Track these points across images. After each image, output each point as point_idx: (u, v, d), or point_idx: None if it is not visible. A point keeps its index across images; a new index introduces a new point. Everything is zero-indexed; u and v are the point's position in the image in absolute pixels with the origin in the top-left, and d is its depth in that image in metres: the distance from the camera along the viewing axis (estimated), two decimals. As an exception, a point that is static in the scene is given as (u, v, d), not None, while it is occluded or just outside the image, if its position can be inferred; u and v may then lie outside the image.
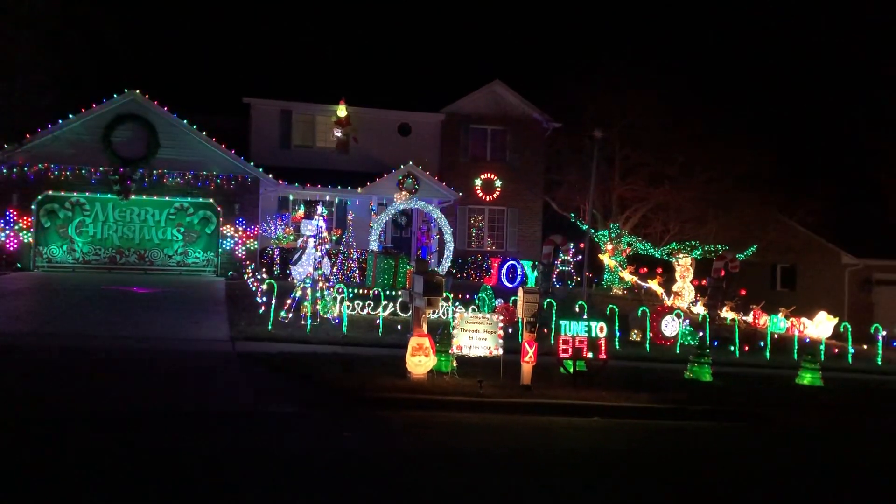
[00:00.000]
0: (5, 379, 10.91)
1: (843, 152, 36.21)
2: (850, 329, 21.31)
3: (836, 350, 21.18)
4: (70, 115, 24.76)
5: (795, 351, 19.45)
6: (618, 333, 18.80)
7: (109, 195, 25.09)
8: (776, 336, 22.01)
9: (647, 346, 19.03)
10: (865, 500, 8.31)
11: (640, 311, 19.81)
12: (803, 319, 24.32)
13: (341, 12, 54.97)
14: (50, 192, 24.79)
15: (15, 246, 24.34)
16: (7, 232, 24.30)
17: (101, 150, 24.81)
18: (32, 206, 24.60)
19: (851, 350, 20.87)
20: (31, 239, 24.56)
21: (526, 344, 12.41)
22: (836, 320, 24.59)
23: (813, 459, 10.25)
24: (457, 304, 19.03)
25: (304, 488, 7.04)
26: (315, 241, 19.32)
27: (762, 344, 20.27)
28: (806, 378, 15.56)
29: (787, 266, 34.28)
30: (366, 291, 20.24)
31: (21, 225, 24.44)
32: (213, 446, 8.27)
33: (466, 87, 31.81)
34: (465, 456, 8.72)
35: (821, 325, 23.96)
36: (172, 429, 8.88)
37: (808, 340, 21.05)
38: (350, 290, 19.56)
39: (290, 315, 17.46)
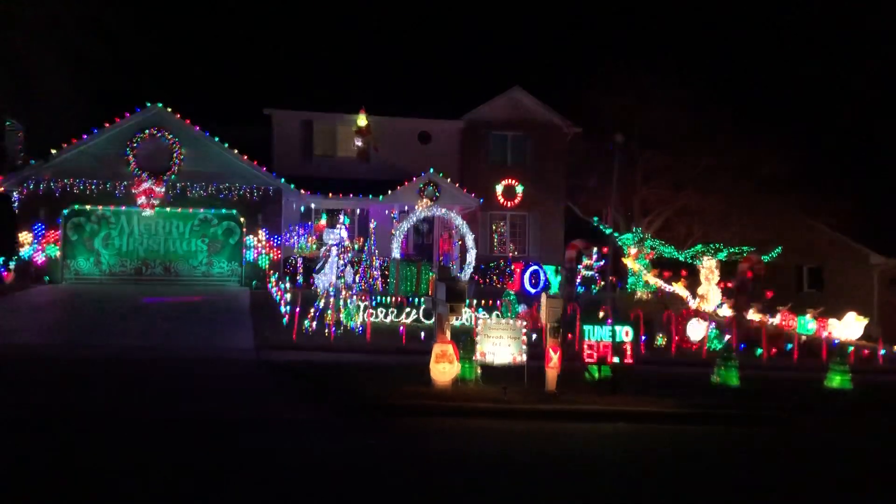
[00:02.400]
0: (35, 387, 11.05)
1: (869, 151, 35.75)
2: (880, 330, 20.98)
3: (866, 351, 20.87)
4: (94, 130, 25.09)
5: (824, 353, 19.19)
6: (643, 338, 18.67)
7: (134, 208, 25.37)
8: (804, 338, 21.75)
9: (673, 349, 18.87)
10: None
11: (665, 316, 19.67)
12: (831, 321, 23.98)
13: (360, 22, 55.27)
14: (76, 206, 25.11)
15: (43, 260, 24.68)
16: (35, 246, 24.65)
17: (125, 164, 25.10)
18: (59, 220, 24.94)
19: (882, 351, 20.55)
20: (58, 253, 24.88)
21: (550, 350, 12.35)
22: (865, 321, 24.22)
23: (840, 464, 10.08)
24: (480, 310, 19.02)
25: (329, 495, 7.05)
26: (338, 250, 19.43)
27: (790, 346, 20.03)
28: (835, 381, 15.34)
29: (813, 267, 33.86)
30: (389, 299, 20.27)
31: (49, 239, 24.78)
32: (238, 453, 8.30)
33: (486, 93, 31.81)
34: (488, 463, 8.68)
35: (849, 326, 23.60)
36: (199, 435, 8.93)
37: (836, 342, 20.78)
38: (374, 298, 19.61)
39: (314, 324, 17.53)
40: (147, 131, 25.27)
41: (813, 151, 31.55)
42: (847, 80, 36.29)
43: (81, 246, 25.28)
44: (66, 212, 25.05)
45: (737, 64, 41.88)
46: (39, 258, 24.64)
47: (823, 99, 36.02)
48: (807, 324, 23.81)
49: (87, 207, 25.25)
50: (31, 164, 24.55)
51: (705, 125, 30.34)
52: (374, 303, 19.22)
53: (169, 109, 25.55)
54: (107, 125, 25.18)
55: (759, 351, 19.49)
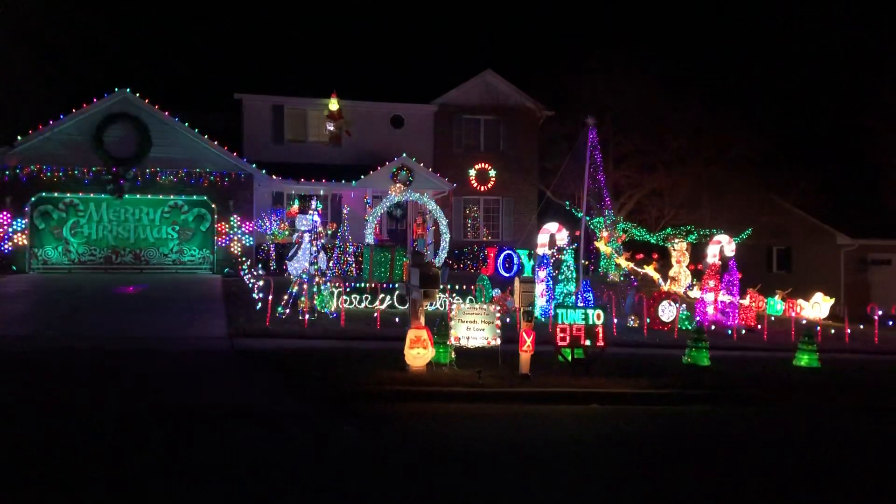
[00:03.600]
0: (4, 381, 10.92)
1: (837, 133, 36.22)
2: (846, 309, 21.39)
3: (833, 331, 21.26)
4: (61, 116, 24.67)
5: (793, 333, 19.52)
6: (615, 320, 18.84)
7: (103, 195, 25.02)
8: (773, 318, 22.09)
9: (645, 331, 19.08)
10: (862, 479, 8.35)
11: (637, 297, 19.86)
12: (800, 301, 24.39)
13: (332, 5, 54.76)
14: (43, 194, 24.71)
15: (9, 248, 24.28)
16: (1, 235, 24.23)
17: (93, 150, 24.72)
18: (26, 208, 24.53)
19: (848, 330, 20.95)
20: (25, 241, 24.50)
21: (523, 333, 12.43)
22: (832, 301, 24.68)
23: (808, 440, 10.30)
24: (454, 295, 19.06)
25: (305, 483, 7.07)
26: (310, 236, 19.32)
27: (759, 327, 20.33)
28: (803, 360, 15.63)
29: (782, 248, 34.32)
30: (363, 285, 20.24)
31: (15, 227, 24.37)
32: (213, 444, 8.28)
33: (458, 77, 31.74)
34: (464, 446, 8.74)
35: (817, 307, 24.04)
36: (172, 427, 8.89)
37: (804, 322, 21.12)
38: (348, 284, 19.57)
39: (288, 311, 17.47)
40: (115, 117, 24.89)
41: (782, 133, 31.95)
42: (816, 60, 36.71)
43: (49, 234, 24.91)
44: (33, 199, 24.64)
45: (707, 46, 42.17)
46: (6, 247, 24.24)
47: (792, 80, 36.41)
48: (776, 304, 24.18)
49: (55, 195, 24.86)
50: (-5, 151, 24.10)
51: (676, 107, 30.53)
52: (348, 289, 19.18)
53: (137, 95, 25.19)
54: (74, 111, 24.76)
55: (730, 331, 19.77)
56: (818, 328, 19.54)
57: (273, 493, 6.77)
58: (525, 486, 7.37)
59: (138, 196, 25.29)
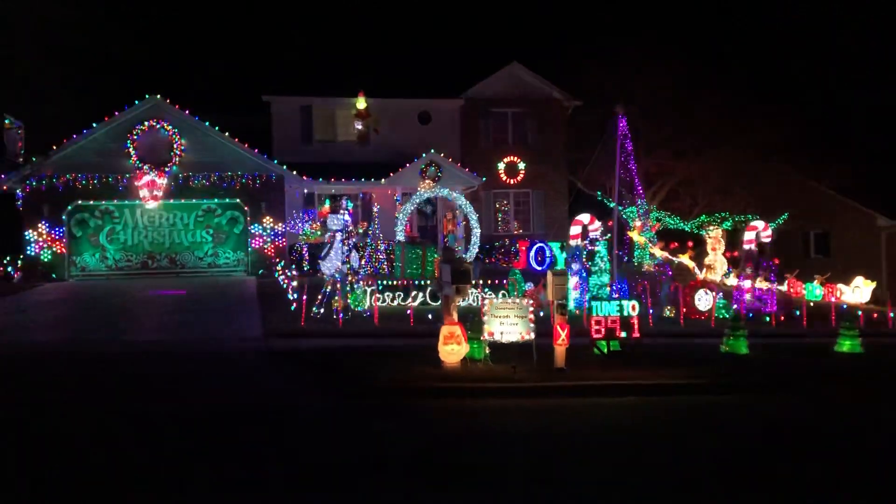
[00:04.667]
0: (47, 385, 11.11)
1: (872, 113, 35.44)
2: (888, 293, 20.92)
3: (876, 315, 20.81)
4: (94, 125, 25.03)
5: (833, 318, 19.15)
6: (650, 310, 18.65)
7: (137, 201, 25.36)
8: (813, 304, 21.70)
9: (682, 321, 18.86)
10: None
11: (672, 287, 19.63)
12: (839, 285, 23.91)
13: (356, 3, 54.86)
14: (79, 202, 25.11)
15: (48, 257, 24.73)
16: (40, 243, 24.69)
17: (126, 157, 25.05)
18: (63, 217, 24.94)
19: (891, 314, 20.49)
20: (63, 249, 24.93)
21: (557, 327, 12.33)
22: (873, 284, 24.13)
23: (852, 428, 10.09)
24: (486, 289, 19.01)
25: (339, 478, 7.08)
26: (342, 236, 19.40)
27: (798, 313, 19.99)
28: (845, 345, 15.32)
29: (820, 232, 33.69)
30: (396, 282, 20.26)
31: (53, 236, 24.81)
32: (252, 441, 8.35)
33: (484, 70, 31.60)
34: (499, 441, 8.70)
35: (858, 291, 23.52)
36: (211, 425, 8.98)
37: (845, 307, 20.69)
38: (380, 281, 19.61)
39: (322, 310, 17.55)
40: (146, 123, 25.19)
41: (815, 115, 31.35)
42: (849, 39, 35.94)
43: (86, 242, 25.31)
44: (69, 208, 25.05)
45: (734, 29, 41.50)
46: (45, 256, 24.69)
47: (825, 61, 35.69)
48: (814, 290, 23.74)
49: (91, 203, 25.25)
50: (32, 162, 24.50)
51: (704, 93, 30.12)
52: (380, 286, 19.22)
53: (167, 101, 25.47)
54: (106, 119, 25.11)
55: (768, 318, 19.45)
56: (860, 313, 19.14)
57: (308, 486, 6.80)
58: (561, 480, 7.31)
59: (172, 201, 25.59)
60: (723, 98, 30.20)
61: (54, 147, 24.67)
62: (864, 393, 12.34)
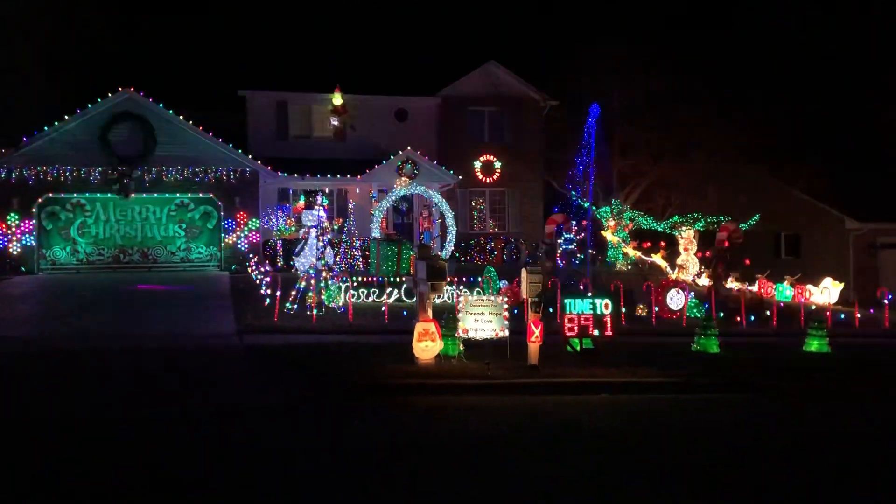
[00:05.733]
0: (12, 384, 10.97)
1: (844, 118, 35.99)
2: (856, 294, 21.29)
3: (843, 316, 21.17)
4: (66, 117, 24.70)
5: (802, 318, 19.45)
6: (623, 309, 18.82)
7: (109, 195, 25.06)
8: (782, 304, 22.02)
9: (654, 320, 19.05)
10: (870, 465, 8.31)
11: (645, 286, 19.83)
12: (809, 286, 24.30)
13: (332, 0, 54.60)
14: (50, 195, 24.76)
15: (18, 249, 24.37)
16: (10, 236, 24.33)
17: (98, 150, 24.75)
18: (34, 209, 24.59)
19: (858, 315, 20.86)
20: (33, 242, 24.58)
21: (531, 324, 12.41)
22: (841, 286, 24.57)
23: (819, 426, 10.27)
24: (461, 287, 19.06)
25: (315, 475, 7.08)
26: (317, 232, 19.34)
27: (768, 313, 20.27)
28: (813, 345, 15.57)
29: (790, 234, 34.19)
30: (370, 279, 20.25)
31: (23, 228, 24.46)
32: (222, 442, 8.31)
33: (462, 68, 31.64)
34: (474, 438, 8.74)
35: (826, 292, 23.93)
36: (184, 425, 8.92)
37: (814, 307, 21.04)
38: (354, 278, 19.59)
39: (296, 306, 17.50)
40: (120, 116, 24.92)
41: (787, 119, 31.76)
42: (821, 44, 36.43)
43: (57, 235, 24.97)
44: (40, 200, 24.68)
45: (711, 33, 41.88)
46: (14, 248, 24.33)
47: (797, 65, 36.14)
48: (784, 290, 24.10)
49: (62, 195, 24.91)
50: (1, 153, 24.14)
51: (681, 95, 30.43)
52: (355, 283, 19.20)
53: (141, 94, 25.20)
54: (78, 111, 24.79)
55: (739, 318, 19.71)
56: (828, 313, 19.48)
57: (282, 484, 6.79)
58: (534, 476, 7.36)
59: (145, 195, 25.32)
60: (698, 102, 30.53)
61: (25, 139, 24.31)
62: (830, 391, 12.54)
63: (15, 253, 24.30)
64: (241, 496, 6.58)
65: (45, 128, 24.55)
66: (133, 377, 11.60)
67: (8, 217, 24.30)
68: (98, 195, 25.07)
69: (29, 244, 24.49)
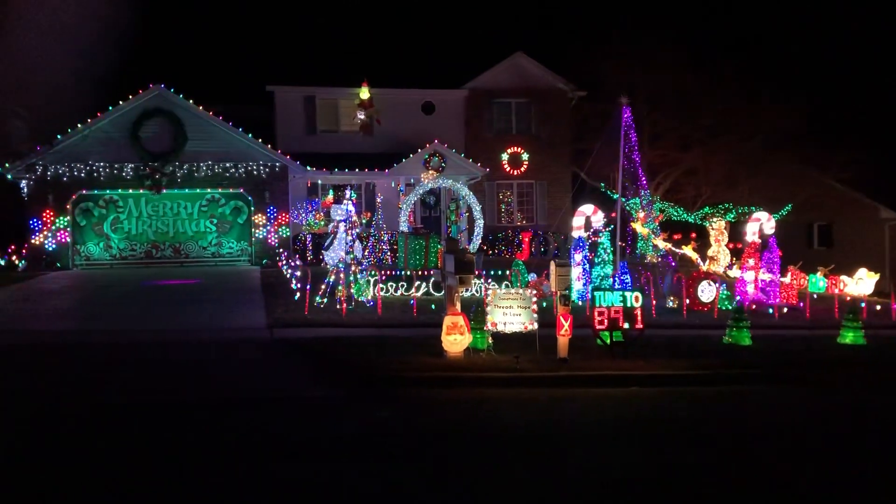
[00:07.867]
0: (51, 375, 11.18)
1: (876, 105, 35.35)
2: (892, 284, 20.90)
3: (879, 307, 20.81)
4: (98, 114, 25.08)
5: (836, 310, 19.16)
6: (654, 302, 18.66)
7: (141, 191, 25.44)
8: (816, 296, 21.70)
9: (685, 312, 18.88)
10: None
11: (675, 278, 19.65)
12: (843, 277, 23.92)
13: (359, -6, 54.69)
14: (84, 191, 25.20)
15: (53, 246, 24.83)
16: (45, 232, 24.78)
17: (130, 147, 25.13)
18: (68, 206, 25.04)
19: (894, 306, 20.49)
20: (67, 238, 25.02)
21: (560, 317, 12.36)
22: (877, 276, 24.14)
23: (855, 419, 10.12)
24: (489, 280, 19.04)
25: (345, 466, 7.13)
26: (345, 226, 19.44)
27: (801, 305, 19.99)
28: (848, 337, 15.34)
29: (823, 224, 33.69)
30: (399, 273, 20.31)
31: (58, 225, 24.90)
32: (256, 431, 8.40)
33: (488, 61, 31.56)
34: (502, 431, 8.75)
35: (861, 283, 23.54)
36: (216, 415, 9.04)
37: (848, 299, 20.70)
38: (383, 271, 19.66)
39: (325, 300, 17.60)
40: (150, 113, 25.25)
41: (819, 106, 31.27)
42: (853, 30, 35.80)
43: (91, 231, 25.40)
44: (74, 197, 25.15)
45: (740, 18, 41.34)
46: (50, 245, 24.79)
47: (830, 51, 35.57)
48: (818, 281, 23.75)
49: (95, 192, 25.34)
50: (36, 151, 24.59)
51: (710, 83, 30.05)
52: (383, 277, 19.27)
53: (171, 91, 25.51)
54: (110, 109, 25.17)
55: (771, 310, 19.46)
56: (863, 304, 19.15)
57: (309, 475, 6.85)
58: (562, 469, 7.35)
59: (176, 190, 25.65)
60: (728, 88, 30.13)
61: (59, 136, 24.73)
62: (867, 384, 12.35)
63: (50, 249, 24.76)
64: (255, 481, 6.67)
65: (78, 125, 24.95)
66: (171, 368, 11.79)
67: (43, 214, 24.76)
68: (130, 191, 25.45)
69: (63, 240, 24.93)
